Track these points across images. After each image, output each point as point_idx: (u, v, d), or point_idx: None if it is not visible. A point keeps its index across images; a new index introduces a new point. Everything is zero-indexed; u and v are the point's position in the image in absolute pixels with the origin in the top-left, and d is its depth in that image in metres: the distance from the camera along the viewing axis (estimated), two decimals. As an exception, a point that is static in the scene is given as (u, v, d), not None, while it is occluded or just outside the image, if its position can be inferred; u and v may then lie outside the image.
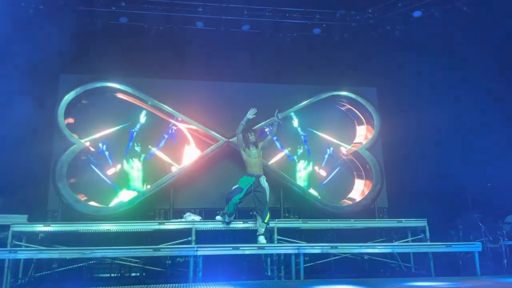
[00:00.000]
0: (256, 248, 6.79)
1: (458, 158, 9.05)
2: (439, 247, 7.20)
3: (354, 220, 7.80)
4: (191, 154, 9.19)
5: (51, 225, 7.14)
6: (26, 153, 8.12)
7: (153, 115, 9.25)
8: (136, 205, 8.52)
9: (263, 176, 7.11)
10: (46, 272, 6.95)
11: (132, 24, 9.08)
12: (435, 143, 9.20)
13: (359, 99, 9.64)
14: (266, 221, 6.91)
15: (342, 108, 9.94)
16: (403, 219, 7.68)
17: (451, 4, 8.95)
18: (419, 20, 9.21)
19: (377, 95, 9.84)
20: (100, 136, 8.96)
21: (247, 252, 6.70)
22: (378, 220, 8.48)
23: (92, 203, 8.47)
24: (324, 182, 9.55)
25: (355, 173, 9.66)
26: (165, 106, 9.11)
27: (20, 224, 6.88)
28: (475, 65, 8.84)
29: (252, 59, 9.29)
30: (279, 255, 6.97)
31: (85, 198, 8.51)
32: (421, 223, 7.58)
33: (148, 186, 8.85)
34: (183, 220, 7.54)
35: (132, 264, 7.34)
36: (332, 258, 7.37)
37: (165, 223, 7.33)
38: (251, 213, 7.86)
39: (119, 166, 8.98)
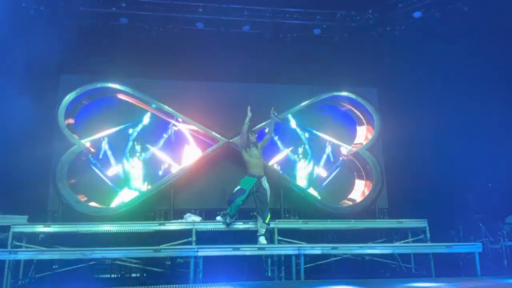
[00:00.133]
0: (256, 249, 6.78)
1: (458, 159, 9.03)
2: (440, 248, 7.20)
3: (354, 221, 7.79)
4: (191, 155, 9.20)
5: (52, 225, 7.13)
6: (27, 153, 8.12)
7: (153, 115, 9.25)
8: (136, 206, 8.52)
9: (264, 177, 7.11)
10: (47, 273, 6.93)
11: (132, 25, 9.08)
12: (435, 144, 9.19)
13: (359, 99, 9.64)
14: (266, 221, 6.91)
15: (343, 109, 9.94)
16: (404, 220, 7.67)
17: (451, 4, 8.94)
18: (419, 20, 9.20)
19: (378, 96, 9.85)
20: (100, 137, 8.97)
21: (247, 253, 6.68)
22: (378, 221, 8.47)
23: (93, 203, 8.48)
24: (325, 182, 9.56)
25: (355, 173, 9.66)
26: (165, 107, 9.11)
27: (20, 224, 6.88)
28: (475, 65, 8.82)
29: (252, 59, 9.27)
30: (279, 255, 6.96)
31: (85, 198, 8.52)
32: (422, 223, 7.56)
33: (149, 187, 8.84)
34: (183, 220, 7.53)
35: (132, 265, 7.33)
36: (333, 259, 7.35)
37: (166, 224, 7.32)
38: (251, 213, 7.85)
39: (119, 166, 8.98)
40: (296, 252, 6.65)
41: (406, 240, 7.73)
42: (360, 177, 9.57)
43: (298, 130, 9.70)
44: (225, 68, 9.23)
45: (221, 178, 8.83)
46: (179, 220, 7.59)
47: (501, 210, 8.23)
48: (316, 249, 6.91)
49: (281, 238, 7.21)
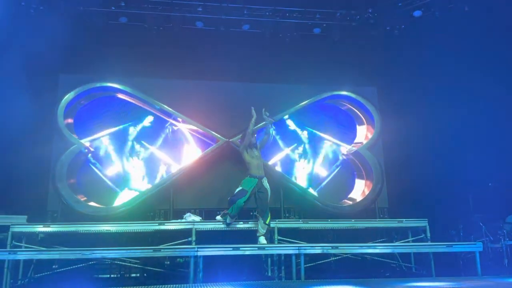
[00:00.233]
0: (256, 248, 6.77)
1: (458, 158, 9.02)
2: (440, 247, 7.19)
3: (354, 220, 7.78)
4: (191, 154, 9.18)
5: (51, 225, 7.13)
6: (26, 153, 8.10)
7: (153, 114, 9.24)
8: (136, 206, 8.50)
9: (265, 178, 7.11)
10: (46, 273, 6.92)
11: (132, 24, 9.06)
12: (435, 143, 9.18)
13: (359, 98, 9.62)
14: (267, 222, 6.91)
15: (343, 108, 9.92)
16: (404, 219, 7.67)
17: (452, 4, 8.92)
18: (420, 19, 9.19)
19: (378, 95, 9.82)
20: (100, 136, 8.95)
21: (247, 252, 6.67)
22: (378, 220, 8.45)
23: (92, 203, 8.45)
24: (325, 182, 9.54)
25: (355, 173, 9.64)
26: (165, 106, 9.09)
27: (19, 224, 6.86)
28: (476, 64, 8.81)
29: (252, 59, 9.25)
30: (279, 255, 6.95)
31: (85, 198, 8.50)
32: (422, 223, 7.56)
33: (148, 186, 8.83)
34: (183, 220, 7.52)
35: (132, 264, 7.32)
36: (333, 259, 7.34)
37: (165, 224, 7.32)
38: (251, 213, 7.85)
39: (119, 166, 8.96)
40: (296, 251, 6.64)
41: (406, 240, 7.72)
42: (360, 177, 9.55)
43: (298, 129, 9.68)
44: (225, 68, 9.22)
45: (221, 178, 8.81)
46: (179, 220, 7.58)
47: (501, 209, 8.22)
48: (316, 249, 6.90)
49: (281, 237, 7.21)
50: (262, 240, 6.88)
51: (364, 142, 9.60)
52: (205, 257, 6.45)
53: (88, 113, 9.02)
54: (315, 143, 9.69)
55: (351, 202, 9.31)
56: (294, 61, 9.46)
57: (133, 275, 7.77)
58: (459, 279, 6.50)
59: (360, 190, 9.46)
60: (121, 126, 9.10)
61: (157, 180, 8.87)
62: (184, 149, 9.25)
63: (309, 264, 7.07)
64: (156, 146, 9.16)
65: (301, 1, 9.17)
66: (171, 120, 9.24)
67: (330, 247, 6.91)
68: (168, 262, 7.62)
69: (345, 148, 9.68)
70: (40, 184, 8.30)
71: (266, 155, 8.84)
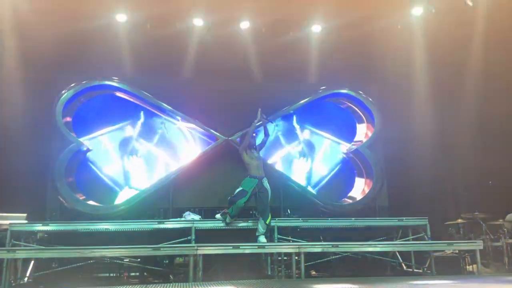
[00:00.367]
0: (256, 247, 6.76)
1: (459, 157, 9.03)
2: (440, 246, 7.18)
3: (354, 219, 7.76)
4: (190, 153, 9.16)
5: (50, 224, 7.11)
6: (25, 152, 8.08)
7: (152, 113, 9.21)
8: (135, 204, 8.46)
9: (265, 178, 7.10)
10: (45, 272, 6.89)
11: (130, 22, 9.01)
12: (436, 141, 9.17)
13: (359, 97, 9.59)
14: (267, 222, 6.90)
15: (343, 106, 9.89)
16: (404, 218, 7.65)
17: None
18: (420, 16, 9.16)
19: (378, 93, 9.79)
20: (98, 135, 8.93)
21: (247, 251, 6.66)
22: (379, 219, 8.43)
23: (91, 202, 8.43)
24: (324, 180, 9.52)
25: (355, 171, 9.62)
26: (164, 105, 9.06)
27: (18, 223, 6.83)
28: (476, 61, 8.80)
29: (252, 56, 9.23)
30: (279, 254, 6.94)
31: (84, 197, 8.47)
32: (422, 221, 7.54)
33: (148, 185, 8.79)
34: (182, 219, 7.50)
35: (131, 263, 7.29)
36: (333, 257, 7.33)
37: (165, 222, 7.30)
38: (251, 212, 7.84)
39: (119, 165, 8.94)
40: (296, 250, 6.63)
41: (407, 238, 7.70)
42: (360, 175, 9.53)
43: (297, 128, 9.65)
44: (224, 66, 9.19)
45: (220, 177, 8.78)
46: (178, 219, 7.56)
47: (501, 207, 8.21)
48: (316, 247, 6.89)
49: (281, 236, 7.19)
50: (262, 239, 6.87)
51: (364, 140, 9.57)
52: (204, 255, 6.44)
53: (87, 111, 8.98)
54: (315, 141, 9.67)
55: (351, 201, 9.29)
56: (294, 59, 9.43)
57: (133, 274, 7.74)
58: (459, 277, 6.49)
59: (360, 188, 9.44)
60: (120, 125, 9.07)
61: (157, 179, 8.83)
62: (183, 148, 9.22)
63: (309, 263, 7.05)
64: (155, 144, 9.14)
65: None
66: (170, 119, 9.21)
67: (330, 246, 6.89)
68: (167, 261, 7.60)
69: (345, 147, 9.66)
70: (39, 183, 8.26)
71: (266, 153, 8.81)
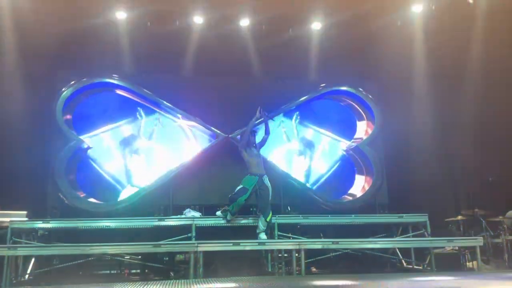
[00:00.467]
0: (257, 244, 6.76)
1: (459, 153, 9.03)
2: (440, 242, 7.19)
3: (354, 216, 7.77)
4: (191, 151, 9.16)
5: (50, 221, 7.12)
6: (25, 149, 8.09)
7: (152, 110, 9.22)
8: (135, 202, 8.48)
9: (266, 175, 7.10)
10: (46, 269, 6.90)
11: (130, 20, 9.01)
12: (436, 138, 9.18)
13: (359, 94, 9.59)
14: (268, 219, 6.90)
15: (342, 104, 9.89)
16: (404, 215, 7.66)
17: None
18: (420, 13, 9.16)
19: (378, 90, 9.78)
20: (99, 132, 8.93)
21: (247, 248, 6.67)
22: (379, 216, 8.45)
23: (91, 199, 8.44)
24: (324, 177, 9.53)
25: (355, 168, 9.62)
26: (164, 102, 9.06)
27: (19, 220, 6.83)
28: (476, 58, 8.80)
29: (252, 54, 9.23)
30: (280, 250, 6.95)
31: (84, 194, 8.48)
32: (422, 218, 7.54)
33: (148, 182, 8.80)
34: (183, 216, 7.51)
35: (132, 260, 7.30)
36: (333, 254, 7.34)
37: (165, 219, 7.31)
38: (251, 209, 7.84)
39: (119, 162, 8.94)
40: (297, 247, 6.64)
41: (407, 235, 7.70)
42: (360, 172, 9.54)
43: (297, 125, 9.66)
44: (224, 63, 9.20)
45: (220, 174, 8.78)
46: (179, 216, 7.57)
47: (501, 204, 8.22)
48: (316, 244, 6.90)
49: (281, 233, 7.19)
50: (263, 236, 6.87)
51: (364, 137, 9.57)
52: (205, 252, 6.45)
53: (87, 109, 8.97)
54: (315, 138, 9.67)
55: (351, 198, 9.30)
56: (294, 56, 9.44)
57: (133, 271, 7.76)
58: (459, 274, 6.50)
59: (360, 185, 9.45)
60: (120, 122, 9.07)
61: (157, 176, 8.84)
62: (184, 145, 9.23)
63: (310, 260, 7.06)
64: (156, 142, 9.14)
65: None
66: (170, 116, 9.22)
67: (330, 242, 6.91)
68: (167, 258, 7.61)
69: (345, 144, 9.67)
70: (40, 181, 8.28)
71: (266, 151, 8.80)
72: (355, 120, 9.84)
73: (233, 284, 5.39)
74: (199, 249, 6.39)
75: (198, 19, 9.13)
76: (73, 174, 8.58)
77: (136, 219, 7.25)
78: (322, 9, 9.32)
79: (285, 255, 6.98)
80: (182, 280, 6.10)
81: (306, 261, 6.65)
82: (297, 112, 9.64)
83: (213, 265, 7.00)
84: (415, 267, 7.49)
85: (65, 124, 8.56)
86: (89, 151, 8.80)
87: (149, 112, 9.21)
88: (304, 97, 9.51)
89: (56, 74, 8.82)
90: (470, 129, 9.18)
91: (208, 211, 8.19)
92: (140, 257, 7.31)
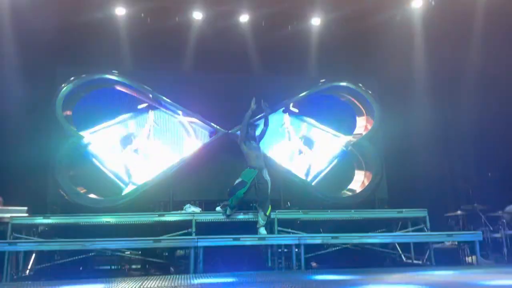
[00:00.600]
0: (256, 239, 6.78)
1: (458, 149, 9.04)
2: (440, 237, 7.21)
3: (354, 211, 7.78)
4: (191, 146, 9.17)
5: (51, 217, 7.12)
6: (25, 145, 8.10)
7: (153, 107, 9.21)
8: (136, 197, 8.49)
9: (265, 169, 7.11)
10: (46, 265, 6.92)
11: (130, 15, 9.00)
12: (435, 134, 9.19)
13: (358, 89, 9.58)
14: (267, 213, 6.91)
15: (342, 99, 9.89)
16: (404, 210, 7.65)
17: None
18: (420, 9, 9.15)
19: (378, 86, 9.79)
20: (99, 129, 8.93)
21: (247, 243, 6.69)
22: (378, 211, 8.46)
23: (92, 195, 8.45)
24: (324, 173, 9.54)
25: (355, 164, 9.63)
26: (164, 98, 9.06)
27: (19, 216, 6.84)
28: (477, 54, 8.80)
29: (251, 49, 9.23)
30: (279, 246, 6.96)
31: (85, 190, 8.49)
32: (422, 213, 7.54)
33: (148, 178, 8.81)
34: (183, 212, 7.52)
35: (132, 256, 7.33)
36: (333, 249, 7.36)
37: (165, 215, 7.31)
38: (251, 204, 7.85)
39: (120, 159, 8.95)
40: (297, 242, 6.66)
41: (406, 230, 7.72)
42: (360, 168, 9.54)
43: (297, 120, 9.66)
44: (224, 59, 9.21)
45: (220, 169, 8.79)
46: (179, 211, 7.58)
47: (500, 199, 8.24)
48: (316, 239, 6.92)
49: (281, 228, 7.19)
50: (262, 231, 6.89)
51: (364, 133, 9.58)
52: (205, 248, 6.47)
53: (87, 105, 8.96)
54: (314, 134, 9.68)
55: (350, 193, 9.31)
56: (293, 52, 9.44)
57: (134, 266, 7.78)
58: (458, 268, 6.52)
59: (359, 181, 9.46)
60: (120, 118, 9.07)
61: (157, 172, 8.85)
62: (184, 141, 9.23)
63: (309, 255, 7.08)
64: (156, 138, 9.15)
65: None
66: (170, 112, 9.22)
67: (330, 237, 6.93)
68: (166, 254, 7.63)
69: (344, 139, 9.66)
70: (40, 177, 8.28)
71: (266, 146, 8.82)
72: (355, 115, 9.84)
73: (233, 279, 5.40)
74: (199, 244, 6.41)
75: (197, 15, 9.12)
76: (73, 170, 8.58)
77: (137, 215, 7.25)
78: (322, 5, 9.32)
79: (285, 250, 6.99)
80: (182, 275, 6.11)
81: (305, 256, 6.67)
82: (296, 108, 9.64)
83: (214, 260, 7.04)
84: (414, 261, 7.52)
85: (65, 120, 8.56)
86: (89, 147, 8.81)
87: (149, 108, 9.20)
88: (304, 93, 9.51)
89: (55, 69, 8.81)
90: (470, 125, 9.19)
91: (208, 206, 8.21)
92: (140, 252, 7.32)
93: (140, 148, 9.06)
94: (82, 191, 8.41)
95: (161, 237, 6.71)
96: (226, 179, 7.85)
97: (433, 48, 9.23)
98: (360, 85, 9.62)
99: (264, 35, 9.36)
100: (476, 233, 7.11)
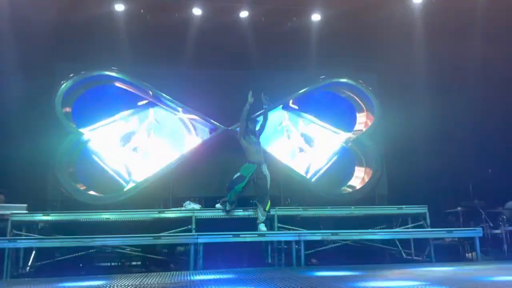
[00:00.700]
0: (256, 235, 6.78)
1: (458, 145, 9.03)
2: (440, 233, 7.21)
3: (354, 207, 7.77)
4: (191, 143, 9.16)
5: (51, 214, 7.12)
6: (25, 142, 8.09)
7: (152, 104, 9.20)
8: (135, 194, 8.50)
9: (265, 164, 7.08)
10: (47, 261, 6.92)
11: (129, 12, 8.97)
12: (435, 130, 9.17)
13: (359, 85, 9.58)
14: (267, 209, 6.90)
15: (342, 95, 9.87)
16: (404, 206, 7.66)
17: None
18: (420, 4, 9.11)
19: (378, 82, 9.76)
20: (99, 126, 8.92)
21: (247, 239, 6.68)
22: (378, 207, 8.44)
23: (92, 192, 8.45)
24: (324, 169, 9.53)
25: (355, 160, 9.62)
26: (164, 95, 9.05)
27: (19, 213, 6.84)
28: (476, 50, 8.77)
29: (251, 46, 9.20)
30: (279, 242, 6.96)
31: (84, 187, 8.49)
32: (422, 209, 7.54)
33: (148, 175, 8.80)
34: (183, 208, 7.52)
35: (132, 252, 7.33)
36: (333, 245, 7.36)
37: (165, 212, 7.31)
38: (251, 201, 7.84)
39: (120, 156, 8.94)
40: (296, 238, 6.66)
41: (406, 226, 7.72)
42: (360, 164, 9.54)
43: (297, 117, 9.65)
44: (223, 56, 9.19)
45: (220, 166, 8.77)
46: (179, 208, 7.58)
47: (501, 195, 8.23)
48: (316, 235, 6.91)
49: (281, 225, 7.19)
50: (262, 227, 6.88)
51: (364, 129, 9.57)
52: (205, 244, 6.46)
53: (87, 102, 8.96)
54: (314, 130, 9.66)
55: (350, 190, 9.31)
56: (294, 48, 9.41)
57: (134, 263, 7.79)
58: (458, 264, 6.53)
59: (359, 177, 9.46)
60: (120, 115, 9.06)
61: (157, 169, 8.84)
62: (184, 138, 9.22)
63: (309, 251, 7.08)
64: (156, 134, 9.14)
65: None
66: (170, 109, 9.20)
67: (330, 234, 6.92)
68: (166, 250, 7.63)
69: (344, 136, 9.65)
70: (40, 174, 8.28)
71: (266, 143, 8.81)
72: (355, 111, 9.83)
73: (232, 276, 5.40)
74: (199, 241, 6.40)
75: (197, 11, 9.09)
76: (73, 167, 8.58)
77: (136, 212, 7.25)
78: (322, 1, 9.29)
79: (285, 246, 6.99)
80: (182, 272, 6.11)
81: (305, 252, 6.67)
82: (297, 104, 9.63)
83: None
84: (414, 258, 7.52)
85: (65, 116, 8.55)
86: (89, 144, 8.80)
87: (149, 105, 9.19)
88: (304, 89, 9.49)
89: (55, 66, 8.80)
90: (470, 121, 9.17)
91: (208, 203, 8.21)
92: (140, 249, 7.32)
93: (140, 145, 9.06)
94: (82, 188, 8.42)
95: (161, 234, 6.70)
96: (226, 176, 7.83)
97: (433, 44, 9.19)
98: (360, 81, 9.60)
99: (264, 31, 9.33)
100: (476, 230, 7.10)
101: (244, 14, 9.23)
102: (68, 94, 8.69)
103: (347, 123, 9.75)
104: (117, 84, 9.09)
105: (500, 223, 7.73)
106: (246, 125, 7.10)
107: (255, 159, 6.98)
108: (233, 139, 8.51)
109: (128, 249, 7.15)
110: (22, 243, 6.47)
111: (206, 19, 9.15)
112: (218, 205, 7.27)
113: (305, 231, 7.05)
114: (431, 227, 7.41)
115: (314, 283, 4.60)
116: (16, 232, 6.67)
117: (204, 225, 7.09)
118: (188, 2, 8.98)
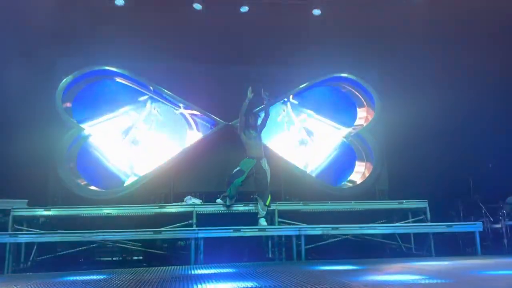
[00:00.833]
0: (257, 230, 6.79)
1: (459, 140, 9.02)
2: (440, 228, 7.21)
3: (354, 202, 7.78)
4: (192, 138, 9.16)
5: (52, 209, 7.13)
6: (26, 138, 8.08)
7: (153, 98, 9.20)
8: (136, 189, 8.52)
9: (264, 159, 7.08)
10: (48, 256, 6.95)
11: (129, 6, 8.95)
12: (436, 125, 9.15)
13: (359, 80, 9.58)
14: (267, 204, 6.90)
15: (343, 90, 9.87)
16: (404, 201, 7.67)
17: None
18: (421, 0, 9.07)
19: (379, 77, 9.75)
20: (100, 121, 8.93)
21: (248, 234, 6.70)
22: (379, 202, 8.47)
23: (92, 187, 8.47)
24: (324, 164, 9.54)
25: (355, 155, 9.63)
26: (165, 90, 9.05)
27: (20, 208, 6.86)
28: (476, 46, 8.74)
29: (251, 41, 9.18)
30: (280, 237, 6.98)
31: (85, 182, 8.51)
32: (422, 204, 7.55)
33: (149, 170, 8.81)
34: (184, 203, 7.53)
35: (133, 247, 7.35)
36: (333, 240, 7.37)
37: (166, 207, 7.34)
38: (251, 196, 7.85)
39: (121, 151, 8.95)
40: (297, 233, 6.67)
41: (407, 221, 7.73)
42: (361, 159, 9.55)
43: (298, 111, 9.64)
44: (224, 51, 9.16)
45: (221, 161, 8.77)
46: (180, 203, 7.59)
47: (501, 190, 8.23)
48: (316, 230, 6.92)
49: (281, 220, 7.21)
50: (263, 222, 6.89)
51: (365, 124, 9.58)
52: (205, 239, 6.48)
53: (87, 97, 8.97)
54: (315, 125, 9.66)
55: (351, 185, 9.32)
56: (294, 43, 9.36)
57: (135, 257, 7.81)
58: (458, 258, 6.53)
59: (360, 172, 9.47)
60: (121, 110, 9.06)
61: (158, 164, 8.85)
62: (185, 133, 9.23)
63: (310, 246, 7.09)
64: (157, 130, 9.14)
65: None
66: (171, 104, 9.20)
67: (330, 228, 6.93)
68: (166, 245, 7.65)
69: (345, 131, 9.66)
70: (40, 169, 8.29)
71: (267, 138, 8.81)
72: (356, 107, 9.82)
73: (233, 270, 5.42)
74: (200, 235, 6.43)
75: (197, 6, 9.05)
76: (74, 162, 8.60)
77: (137, 207, 7.28)
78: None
79: (285, 241, 7.00)
80: (183, 266, 6.13)
81: (306, 247, 6.68)
82: (297, 99, 9.63)
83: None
84: (415, 252, 7.53)
85: (65, 111, 8.56)
86: (89, 139, 8.81)
87: (149, 100, 9.19)
88: (304, 84, 9.49)
89: (56, 61, 8.80)
90: (470, 115, 9.15)
91: (208, 198, 8.22)
92: (141, 244, 7.35)
93: (140, 140, 9.07)
94: (82, 183, 8.43)
95: (162, 229, 6.72)
96: (227, 171, 7.82)
97: (435, 40, 9.16)
98: (361, 76, 9.58)
99: (264, 26, 9.29)
100: (477, 224, 7.11)
101: (244, 8, 9.19)
102: (69, 89, 8.70)
103: (348, 118, 9.75)
104: (118, 79, 9.09)
105: (500, 217, 7.73)
106: (246, 120, 7.10)
107: (254, 153, 6.97)
108: (234, 134, 8.50)
109: (129, 244, 7.17)
110: (23, 238, 6.49)
111: (207, 14, 9.11)
112: (218, 200, 7.28)
113: (305, 225, 7.07)
114: (432, 222, 7.41)
115: (315, 277, 4.61)
116: (17, 227, 6.70)
117: (205, 220, 7.11)
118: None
